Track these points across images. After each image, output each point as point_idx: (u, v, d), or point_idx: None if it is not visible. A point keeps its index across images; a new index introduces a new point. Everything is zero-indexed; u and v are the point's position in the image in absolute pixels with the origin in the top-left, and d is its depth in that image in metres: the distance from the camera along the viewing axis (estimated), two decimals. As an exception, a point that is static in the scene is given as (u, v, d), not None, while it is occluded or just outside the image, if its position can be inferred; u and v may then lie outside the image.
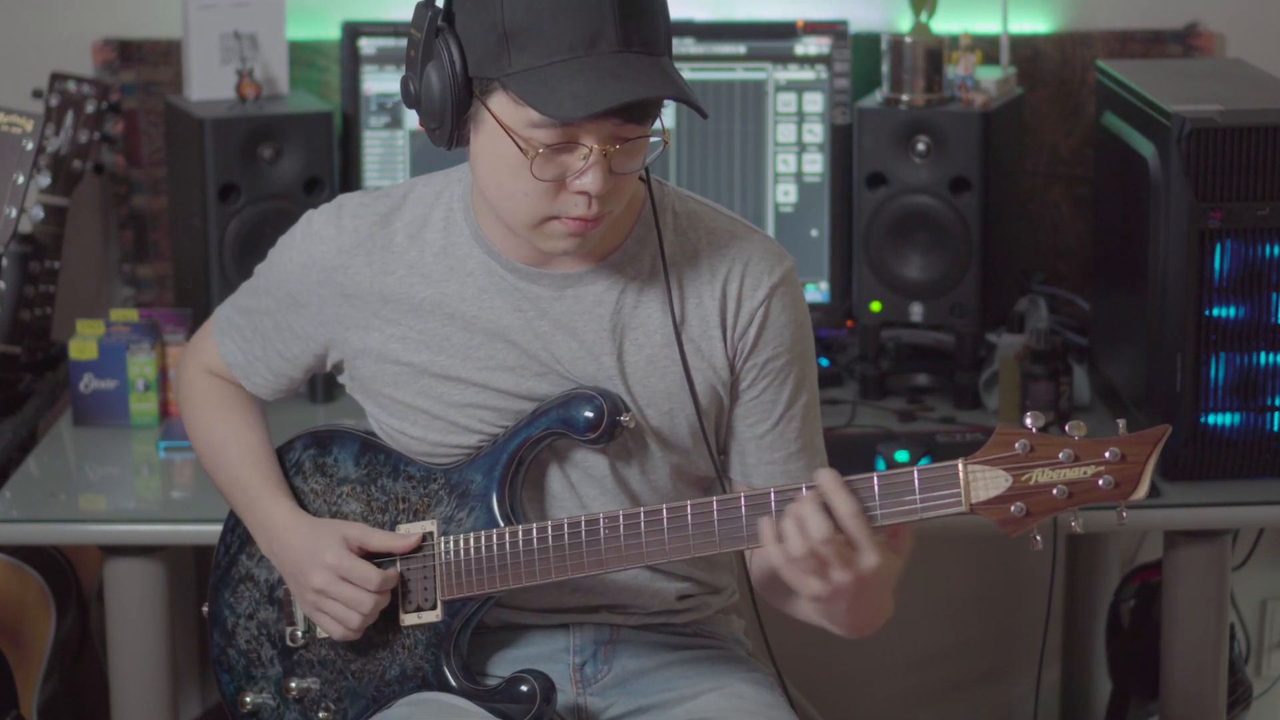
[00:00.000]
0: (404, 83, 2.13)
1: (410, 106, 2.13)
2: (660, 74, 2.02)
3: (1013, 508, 2.00)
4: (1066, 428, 1.99)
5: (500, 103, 2.05)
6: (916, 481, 2.03)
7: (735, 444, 2.26)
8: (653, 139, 2.08)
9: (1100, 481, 1.97)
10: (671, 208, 2.23)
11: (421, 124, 2.12)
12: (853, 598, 2.05)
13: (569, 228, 2.09)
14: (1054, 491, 1.99)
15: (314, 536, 2.25)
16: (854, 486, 2.04)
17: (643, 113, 2.04)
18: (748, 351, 2.22)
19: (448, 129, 2.09)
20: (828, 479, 2.03)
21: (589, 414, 2.18)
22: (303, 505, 2.33)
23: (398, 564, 2.25)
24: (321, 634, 2.31)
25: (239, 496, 2.35)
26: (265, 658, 2.35)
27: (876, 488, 2.03)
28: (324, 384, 3.19)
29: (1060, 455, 1.98)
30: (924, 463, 2.90)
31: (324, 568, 2.23)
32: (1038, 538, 2.02)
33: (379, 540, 2.24)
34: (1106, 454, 1.97)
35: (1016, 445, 1.99)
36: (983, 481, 2.01)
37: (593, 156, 2.04)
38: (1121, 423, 1.99)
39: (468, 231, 2.22)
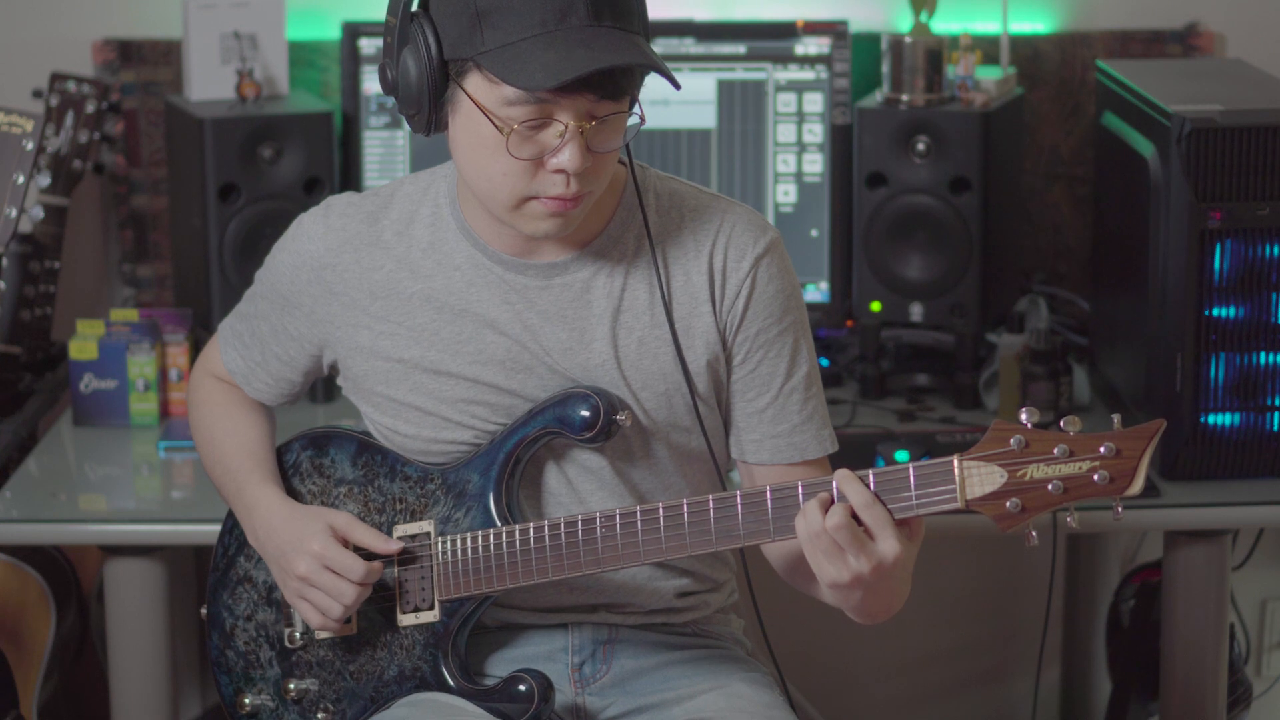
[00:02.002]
0: (381, 70, 2.14)
1: (388, 94, 2.15)
2: (631, 45, 2.04)
3: (1008, 503, 2.00)
4: (1061, 423, 1.99)
5: (475, 83, 2.06)
6: (912, 478, 2.03)
7: (738, 420, 2.26)
8: (632, 120, 2.10)
9: (1095, 477, 1.97)
10: (653, 188, 2.24)
11: (400, 110, 2.13)
12: (870, 586, 2.05)
13: (549, 208, 2.10)
14: (1049, 487, 1.99)
15: (300, 522, 2.25)
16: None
17: (616, 88, 2.05)
18: (737, 324, 2.22)
19: (425, 113, 2.10)
20: (841, 473, 2.04)
21: (585, 413, 2.18)
22: (302, 505, 2.33)
23: (395, 564, 2.25)
24: (320, 635, 2.31)
25: (229, 484, 2.35)
26: (264, 659, 2.35)
27: (872, 484, 2.04)
28: (324, 384, 3.19)
29: (1055, 451, 1.99)
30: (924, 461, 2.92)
31: (308, 555, 2.22)
32: (1033, 534, 2.02)
33: (362, 534, 2.24)
34: (1101, 449, 1.97)
35: (1012, 441, 2.00)
36: (978, 477, 2.01)
37: (568, 133, 2.05)
38: (1116, 418, 1.99)
39: (454, 225, 2.23)
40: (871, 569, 2.02)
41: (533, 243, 2.19)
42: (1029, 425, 2.00)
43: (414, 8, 2.09)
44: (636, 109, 2.11)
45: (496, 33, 2.03)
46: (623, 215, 2.22)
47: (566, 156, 2.06)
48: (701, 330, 2.22)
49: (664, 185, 2.25)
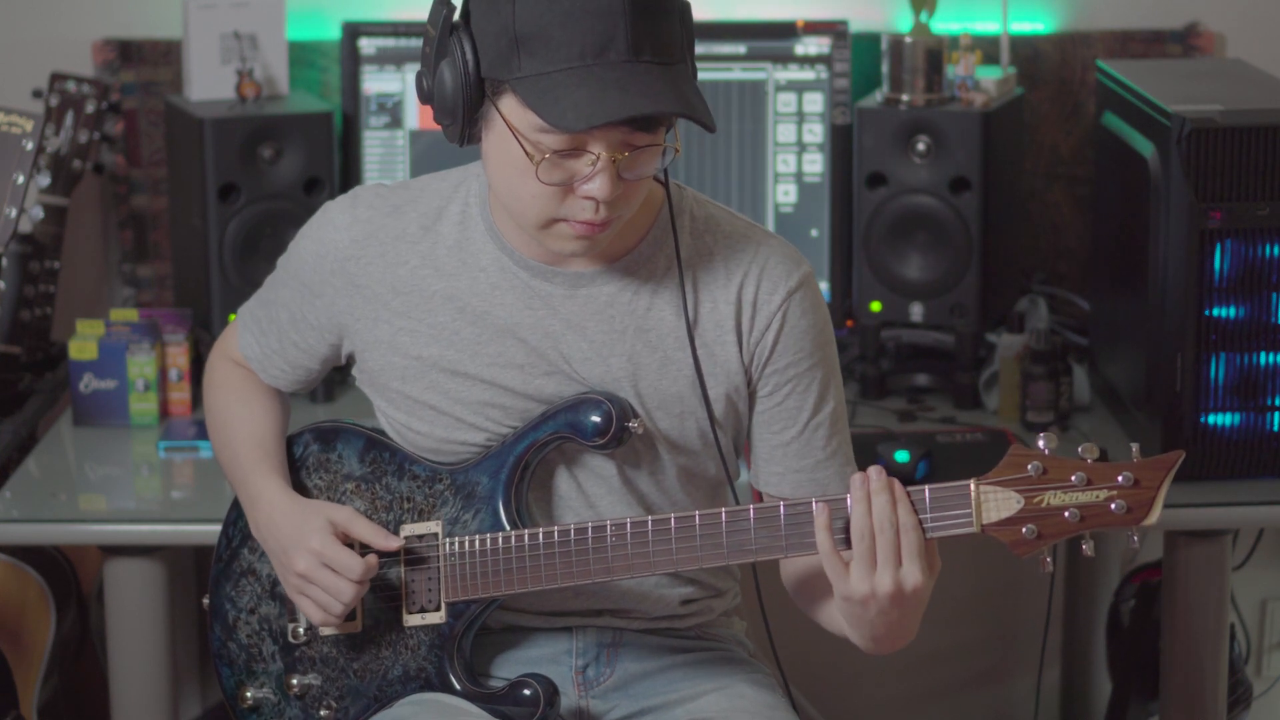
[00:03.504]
0: (418, 78, 2.13)
1: (424, 102, 2.13)
2: (668, 86, 2.01)
3: (1024, 529, 2.00)
4: (1080, 450, 1.98)
5: (510, 105, 2.04)
6: (928, 499, 2.02)
7: (761, 452, 2.25)
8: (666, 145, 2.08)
9: (1113, 506, 1.97)
10: (689, 211, 2.22)
11: (435, 119, 2.12)
12: (883, 608, 2.04)
13: (576, 231, 2.09)
14: (1066, 514, 1.98)
15: (300, 518, 2.25)
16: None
17: (653, 121, 2.03)
18: (766, 358, 2.21)
19: (459, 126, 2.09)
20: (896, 485, 2.03)
21: (596, 419, 2.17)
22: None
23: (401, 563, 2.25)
24: (324, 631, 2.31)
25: (235, 473, 2.35)
26: (266, 653, 2.35)
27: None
28: (324, 385, 3.19)
29: (1073, 478, 1.98)
30: (923, 466, 2.93)
31: (308, 552, 2.22)
32: (1048, 559, 2.01)
33: (363, 529, 2.23)
34: (1119, 478, 1.97)
35: (1029, 467, 1.99)
36: (994, 502, 2.00)
37: (600, 163, 2.04)
38: (1135, 447, 1.99)
39: (483, 226, 2.23)
40: (891, 591, 2.02)
41: (558, 254, 2.18)
42: (1047, 451, 1.99)
43: (454, 20, 2.08)
44: (671, 137, 2.08)
45: (533, 60, 2.00)
46: (656, 235, 2.21)
47: (597, 185, 2.05)
48: (723, 359, 2.21)
49: (701, 209, 2.23)
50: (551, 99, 1.99)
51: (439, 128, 2.14)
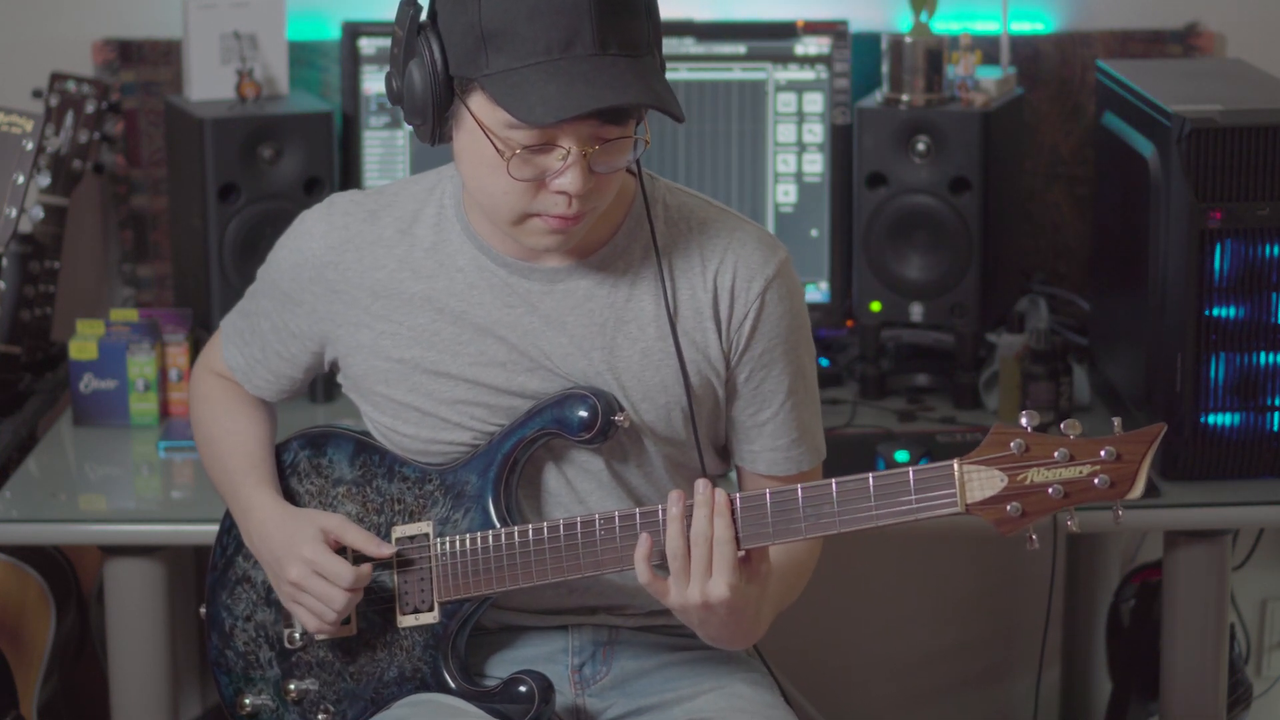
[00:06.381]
0: (388, 79, 2.14)
1: (394, 103, 2.14)
2: (636, 78, 2.02)
3: (1008, 507, 2.00)
4: (1062, 426, 1.99)
5: (479, 103, 2.05)
6: (912, 482, 2.03)
7: (740, 432, 2.26)
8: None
9: (1096, 480, 1.97)
10: (662, 200, 2.23)
11: (405, 120, 2.13)
12: (703, 617, 2.10)
13: (550, 225, 2.10)
14: (1049, 491, 1.99)
15: (292, 527, 2.25)
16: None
17: (622, 114, 2.04)
18: (744, 345, 2.22)
19: (430, 126, 2.10)
20: (720, 499, 2.07)
21: (583, 414, 2.18)
22: (298, 506, 2.32)
23: (394, 565, 2.25)
24: (319, 636, 2.31)
25: (226, 484, 2.36)
26: (263, 659, 2.35)
27: (872, 488, 2.03)
28: (324, 384, 3.19)
29: (1055, 454, 1.98)
30: (923, 464, 2.92)
31: (299, 561, 2.22)
32: (1034, 537, 2.02)
33: (354, 536, 2.24)
34: (1102, 453, 1.97)
35: (1012, 445, 1.99)
36: (978, 481, 2.01)
37: (571, 157, 2.05)
38: (1117, 421, 1.99)
39: (459, 227, 2.23)
40: (700, 603, 2.07)
41: (533, 249, 2.19)
42: (1029, 429, 1.99)
43: (421, 19, 2.09)
44: (642, 129, 2.09)
45: (501, 57, 2.01)
46: (630, 225, 2.22)
47: (568, 180, 2.06)
48: (704, 345, 2.21)
49: (674, 197, 2.24)
50: (519, 95, 1.99)
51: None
